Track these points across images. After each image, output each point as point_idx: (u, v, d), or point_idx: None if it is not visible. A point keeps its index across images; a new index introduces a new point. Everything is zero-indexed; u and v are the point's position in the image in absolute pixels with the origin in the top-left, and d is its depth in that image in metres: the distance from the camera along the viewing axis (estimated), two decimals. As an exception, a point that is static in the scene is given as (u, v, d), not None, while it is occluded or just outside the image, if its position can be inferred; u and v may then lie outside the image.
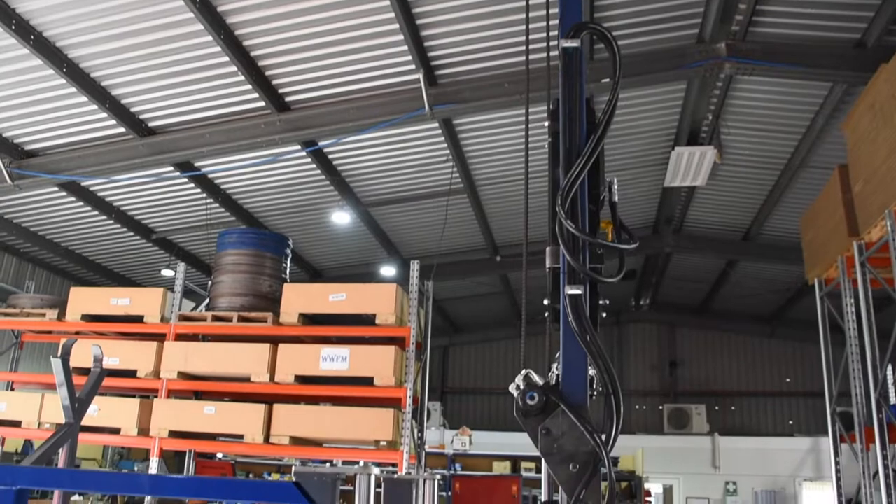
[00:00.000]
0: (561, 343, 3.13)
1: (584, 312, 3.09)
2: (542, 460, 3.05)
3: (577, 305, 3.09)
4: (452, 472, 14.34)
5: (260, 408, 7.39)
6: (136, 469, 14.77)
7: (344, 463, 8.46)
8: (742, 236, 13.73)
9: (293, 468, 1.92)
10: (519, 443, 15.59)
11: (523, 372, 3.08)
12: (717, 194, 12.23)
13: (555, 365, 3.22)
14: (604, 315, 3.29)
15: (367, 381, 7.19)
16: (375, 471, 1.70)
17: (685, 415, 17.89)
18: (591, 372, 3.17)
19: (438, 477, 3.06)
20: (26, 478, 2.03)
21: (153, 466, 7.95)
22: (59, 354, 4.16)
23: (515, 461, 15.09)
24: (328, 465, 2.18)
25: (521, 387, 3.05)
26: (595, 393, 3.19)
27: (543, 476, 3.14)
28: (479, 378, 20.28)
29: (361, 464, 1.86)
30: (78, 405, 4.18)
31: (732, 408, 18.95)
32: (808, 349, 17.48)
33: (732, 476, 16.78)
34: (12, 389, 9.44)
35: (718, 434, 17.30)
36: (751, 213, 12.76)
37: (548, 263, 3.31)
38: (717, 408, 18.69)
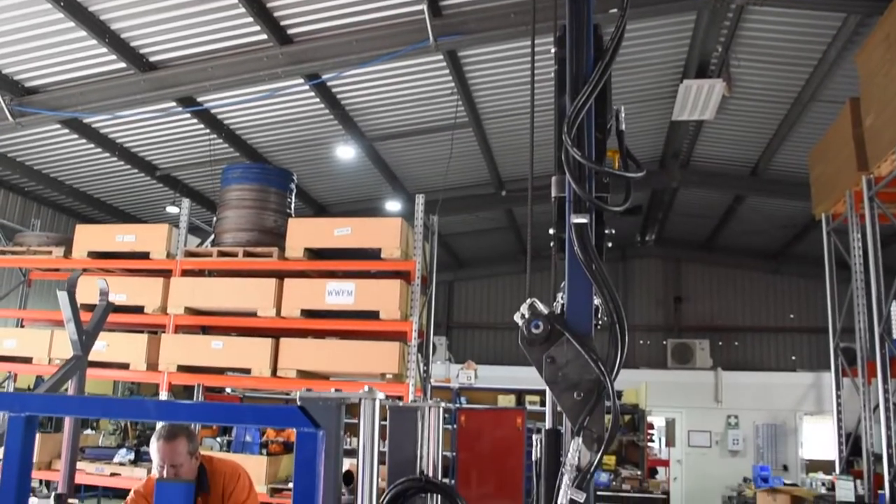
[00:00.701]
0: (566, 272, 3.11)
1: (590, 241, 3.06)
2: (547, 390, 3.06)
3: (583, 234, 3.06)
4: (458, 405, 14.55)
5: (267, 342, 7.46)
6: (146, 404, 15.01)
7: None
8: (750, 171, 13.62)
9: (298, 394, 1.94)
10: (524, 376, 15.77)
11: (528, 301, 3.07)
12: (726, 129, 12.09)
13: (560, 294, 3.21)
14: (609, 245, 3.26)
15: (373, 315, 7.25)
16: (380, 395, 1.72)
17: (689, 350, 18.03)
18: (596, 301, 3.16)
19: (444, 405, 3.08)
20: (35, 404, 2.04)
21: (163, 398, 8.07)
22: (64, 288, 4.18)
23: (520, 395, 15.29)
24: (333, 391, 2.21)
25: (526, 316, 3.04)
26: (600, 322, 3.19)
27: (548, 405, 3.14)
28: (484, 313, 20.40)
29: (366, 389, 1.87)
30: (85, 338, 4.21)
31: (736, 343, 19.09)
32: (812, 286, 17.51)
33: (734, 410, 17.02)
34: (22, 326, 9.54)
35: (721, 369, 17.49)
36: (759, 148, 12.63)
37: (553, 192, 3.27)
38: (720, 343, 18.83)
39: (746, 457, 16.56)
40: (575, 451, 2.84)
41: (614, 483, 12.70)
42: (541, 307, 3.07)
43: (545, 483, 3.01)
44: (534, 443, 3.21)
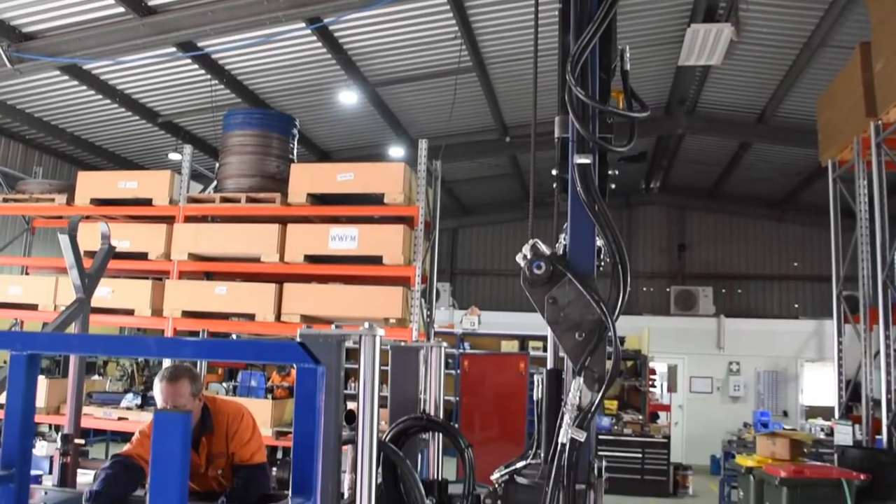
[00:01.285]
0: (568, 213, 3.10)
1: (593, 182, 3.05)
2: (548, 331, 3.07)
3: (586, 174, 3.04)
4: (461, 350, 14.66)
5: (270, 287, 7.48)
6: (153, 349, 15.16)
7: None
8: (757, 118, 13.47)
9: (298, 331, 1.95)
10: (527, 322, 15.87)
11: (531, 242, 3.06)
12: (733, 74, 11.92)
13: (562, 236, 3.21)
14: (612, 187, 3.24)
15: (377, 260, 7.24)
16: (380, 332, 1.71)
17: (692, 297, 18.08)
18: (598, 243, 3.15)
19: (445, 345, 3.10)
20: (37, 343, 2.05)
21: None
22: (66, 232, 4.17)
23: (523, 340, 15.41)
24: (333, 327, 2.21)
25: (528, 256, 3.04)
26: (602, 264, 3.18)
27: (549, 345, 3.15)
28: (488, 260, 20.42)
29: (366, 325, 1.86)
30: (88, 281, 4.22)
31: (739, 291, 19.13)
32: (816, 234, 17.48)
33: (736, 356, 17.14)
34: (27, 274, 9.57)
35: (724, 316, 17.55)
36: (766, 94, 12.46)
37: (556, 133, 3.24)
38: (723, 290, 18.86)
39: (747, 403, 16.72)
40: (576, 391, 2.86)
41: (616, 427, 12.85)
42: (543, 248, 3.07)
43: (546, 423, 3.04)
44: (535, 383, 3.23)
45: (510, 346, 15.45)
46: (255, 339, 1.90)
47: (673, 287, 18.68)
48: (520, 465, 3.08)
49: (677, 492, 12.87)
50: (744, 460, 8.02)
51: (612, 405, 13.54)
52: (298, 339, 1.84)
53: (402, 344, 2.97)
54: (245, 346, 1.72)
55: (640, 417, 13.33)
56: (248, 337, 12.53)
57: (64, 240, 4.09)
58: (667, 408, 14.81)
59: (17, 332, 1.94)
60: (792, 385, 16.97)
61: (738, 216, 19.20)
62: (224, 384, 9.94)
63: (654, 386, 14.68)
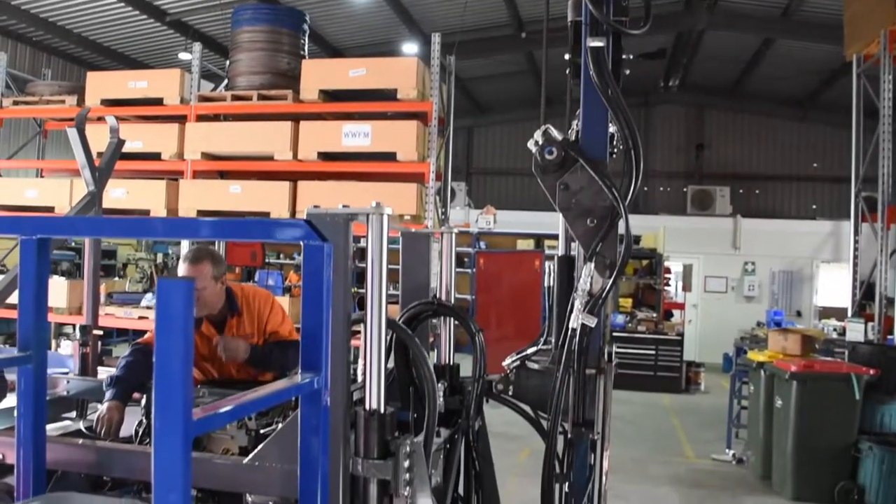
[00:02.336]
0: (581, 98, 3.03)
1: (606, 66, 2.96)
2: (560, 217, 3.04)
3: (600, 58, 2.95)
4: (477, 249, 14.70)
5: (284, 185, 7.47)
6: (170, 252, 15.31)
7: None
8: (781, 12, 13.03)
9: (306, 210, 1.94)
10: (543, 221, 15.82)
11: (542, 127, 3.01)
12: (757, -36, 11.49)
13: (575, 122, 3.14)
14: (626, 73, 3.15)
15: (390, 157, 7.20)
16: (388, 210, 1.70)
17: (709, 196, 17.94)
18: (611, 129, 3.09)
19: (457, 230, 3.09)
20: (46, 227, 2.05)
21: (184, 245, 8.21)
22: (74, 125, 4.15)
23: (539, 239, 15.42)
24: (341, 206, 2.18)
25: (540, 142, 2.99)
26: (615, 150, 3.13)
27: (560, 232, 3.14)
28: (503, 159, 20.23)
29: (374, 204, 1.84)
30: (98, 175, 4.21)
31: (757, 191, 18.95)
32: (837, 134, 17.14)
33: (752, 257, 17.11)
34: (41, 177, 9.60)
35: (741, 216, 17.43)
36: (792, -14, 12.03)
37: (570, 16, 3.13)
38: (740, 191, 18.69)
39: (762, 303, 16.80)
40: (587, 277, 2.86)
41: (630, 325, 12.98)
42: (555, 133, 3.02)
43: (557, 309, 3.05)
44: (547, 270, 3.23)
45: (526, 245, 15.46)
46: (263, 219, 1.90)
47: (690, 187, 18.53)
48: (530, 350, 3.11)
49: (689, 388, 13.11)
50: (755, 355, 8.10)
51: (626, 303, 13.65)
52: (305, 218, 1.83)
53: (413, 230, 2.96)
54: (252, 224, 1.71)
55: (655, 315, 13.43)
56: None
57: (72, 133, 4.07)
58: (681, 306, 14.90)
59: (26, 217, 1.94)
60: (806, 286, 17.00)
61: (758, 115, 18.83)
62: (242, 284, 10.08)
63: (668, 285, 14.73)
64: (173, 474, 1.17)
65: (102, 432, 3.01)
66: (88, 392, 3.35)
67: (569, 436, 2.88)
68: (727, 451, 8.41)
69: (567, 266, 3.07)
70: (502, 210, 15.87)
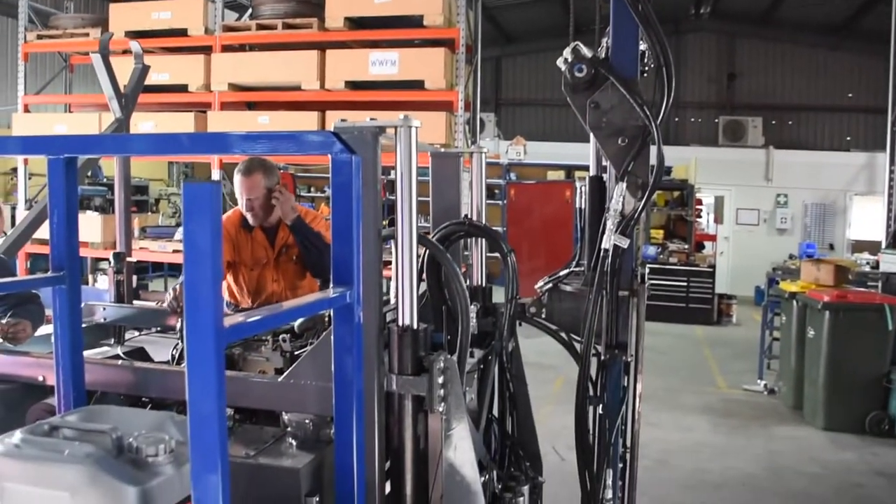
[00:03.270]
0: (611, 14, 2.93)
1: (639, -21, 2.85)
2: (590, 136, 2.98)
3: (633, -29, 2.84)
4: (507, 180, 14.58)
5: (312, 115, 7.42)
6: (201, 185, 15.37)
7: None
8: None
9: (332, 123, 1.91)
10: (573, 152, 15.64)
11: (572, 44, 2.91)
12: None
13: (604, 39, 3.05)
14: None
15: (418, 85, 7.13)
16: (416, 123, 1.66)
17: (741, 127, 17.56)
18: (642, 47, 3.00)
19: (487, 150, 3.03)
20: (73, 145, 2.04)
21: (215, 177, 8.23)
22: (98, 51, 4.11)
23: (569, 170, 15.26)
24: (368, 119, 2.16)
25: (569, 59, 2.90)
26: (646, 69, 3.04)
27: (591, 151, 3.08)
28: (532, 90, 19.86)
29: (402, 117, 1.80)
30: (124, 101, 4.20)
31: (790, 122, 18.50)
32: (873, 63, 16.54)
33: (784, 189, 16.81)
34: (70, 111, 9.62)
35: (773, 147, 17.06)
36: None
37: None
38: (773, 122, 18.25)
39: (794, 235, 16.58)
40: (619, 197, 2.80)
41: (662, 256, 12.90)
42: (584, 51, 2.92)
43: (589, 231, 3.01)
44: (577, 192, 3.18)
45: (556, 176, 15.31)
46: (291, 131, 1.89)
47: (721, 117, 18.14)
48: (563, 273, 3.08)
49: (721, 320, 13.06)
50: (788, 286, 8.02)
51: (658, 234, 13.54)
52: (332, 130, 1.80)
53: (442, 150, 2.92)
54: (281, 137, 1.68)
55: (686, 247, 13.32)
56: (295, 169, 12.62)
57: (96, 59, 4.04)
58: (713, 238, 14.76)
59: (53, 137, 1.93)
60: (840, 218, 16.72)
61: (792, 44, 18.24)
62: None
63: (700, 217, 14.57)
64: (206, 383, 1.17)
65: (174, 304, 3.38)
66: (124, 319, 3.39)
67: (602, 358, 2.87)
68: (758, 381, 8.41)
69: (598, 187, 3.02)
70: (532, 141, 15.68)
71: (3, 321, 2.86)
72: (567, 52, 2.89)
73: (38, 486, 1.27)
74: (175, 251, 8.61)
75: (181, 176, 15.98)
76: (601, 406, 2.88)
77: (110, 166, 13.79)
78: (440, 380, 1.91)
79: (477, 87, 8.02)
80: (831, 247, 16.33)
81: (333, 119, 6.66)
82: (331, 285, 1.77)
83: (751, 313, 13.55)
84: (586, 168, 3.29)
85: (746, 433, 6.92)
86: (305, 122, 7.44)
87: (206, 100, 7.99)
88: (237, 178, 3.80)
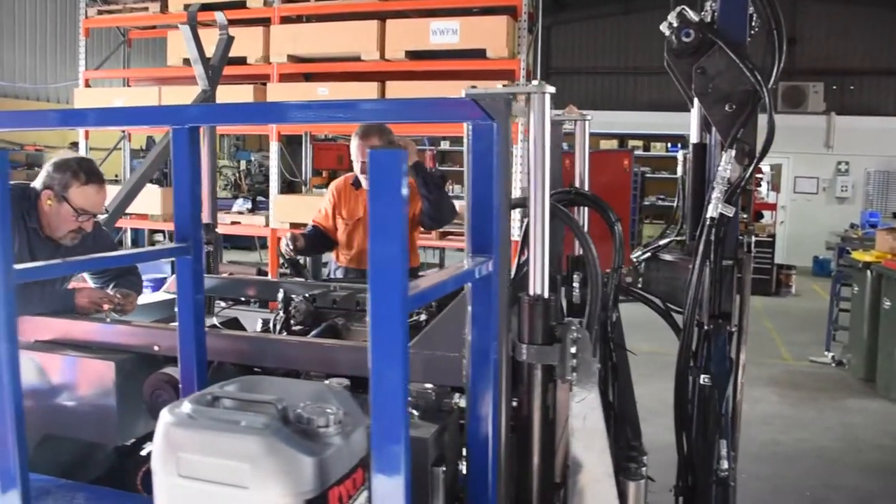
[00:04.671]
0: (720, -23, 2.83)
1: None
2: (694, 102, 2.89)
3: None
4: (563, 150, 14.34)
5: (372, 86, 7.37)
6: (251, 158, 15.48)
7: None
8: None
9: (463, 91, 1.87)
10: (626, 121, 15.43)
11: (677, 8, 2.83)
12: None
13: (708, 3, 2.95)
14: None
15: (479, 54, 7.05)
16: (551, 89, 1.62)
17: (801, 93, 17.08)
18: (749, 10, 2.90)
19: (590, 118, 2.99)
20: (196, 115, 2.03)
21: (273, 150, 8.26)
22: (185, 22, 4.11)
23: (622, 139, 15.02)
24: (500, 86, 2.12)
25: (675, 24, 2.81)
26: (754, 31, 2.94)
27: (693, 117, 3.00)
28: (584, 57, 19.52)
29: (536, 82, 1.77)
30: (212, 73, 4.20)
31: (851, 87, 17.92)
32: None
33: (845, 156, 16.35)
34: (128, 86, 9.70)
35: (835, 113, 16.57)
36: None
37: None
38: (834, 87, 17.71)
39: (854, 204, 16.15)
40: (727, 164, 2.73)
41: (719, 225, 12.65)
42: (691, 15, 2.83)
43: (692, 199, 2.94)
44: (679, 160, 3.12)
45: (609, 145, 15.11)
46: (430, 98, 1.84)
47: (780, 83, 17.66)
48: (662, 242, 3.03)
49: (780, 291, 12.83)
50: (861, 255, 7.82)
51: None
52: (465, 97, 1.75)
53: (555, 117, 2.86)
54: (409, 104, 1.64)
55: (745, 216, 13.00)
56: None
57: (185, 30, 4.04)
58: (772, 207, 14.46)
59: (177, 107, 1.93)
60: (904, 186, 16.24)
61: (854, 5, 17.62)
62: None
63: (759, 185, 14.27)
64: (392, 354, 1.15)
65: (288, 249, 3.70)
66: (214, 290, 3.41)
67: (704, 328, 2.82)
68: (825, 353, 8.25)
69: (701, 155, 2.95)
70: (583, 110, 15.38)
71: (112, 291, 2.89)
72: (672, 17, 2.81)
73: (216, 456, 1.26)
74: (234, 223, 8.68)
75: (231, 149, 16.08)
76: (703, 377, 2.83)
77: (166, 140, 13.97)
78: (573, 350, 1.88)
79: (537, 54, 7.90)
80: (894, 215, 15.90)
81: (393, 90, 6.69)
82: (468, 256, 1.73)
83: (809, 284, 13.32)
84: (639, 136, 3.22)
85: (816, 405, 6.81)
86: (365, 92, 7.40)
87: (265, 72, 8.00)
88: (354, 141, 3.95)
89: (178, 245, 2.01)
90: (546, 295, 1.90)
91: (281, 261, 8.95)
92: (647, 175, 15.33)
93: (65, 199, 2.93)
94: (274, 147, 8.23)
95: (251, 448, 1.24)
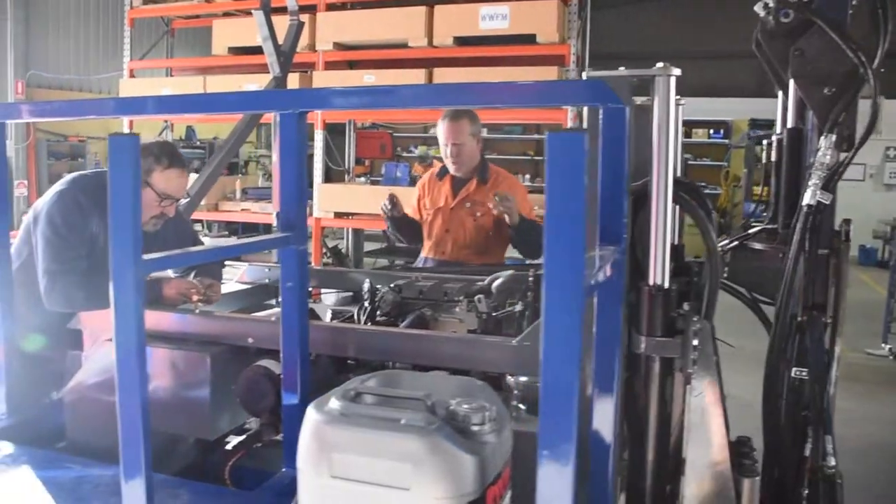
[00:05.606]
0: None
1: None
2: (790, 84, 2.80)
3: None
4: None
5: (420, 73, 7.30)
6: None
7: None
8: None
9: (584, 74, 1.82)
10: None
11: (773, -14, 2.72)
12: None
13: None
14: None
15: (529, 40, 6.98)
16: (676, 71, 1.56)
17: (846, 77, 16.68)
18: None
19: (684, 102, 2.90)
20: (305, 100, 2.01)
21: (318, 139, 8.22)
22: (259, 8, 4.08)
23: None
24: (620, 68, 2.06)
25: (771, 4, 2.71)
26: (851, 10, 2.83)
27: (790, 103, 2.90)
28: (623, 43, 19.17)
29: (661, 65, 1.69)
30: (283, 59, 4.17)
31: (900, 70, 17.45)
32: None
33: (895, 141, 15.94)
34: (171, 76, 9.72)
35: (884, 97, 16.10)
36: None
37: None
38: (882, 70, 17.20)
39: (904, 191, 15.76)
40: (826, 150, 2.63)
41: (764, 213, 12.43)
42: (789, -9, 2.73)
43: (785, 186, 2.85)
44: (771, 144, 3.03)
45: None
46: (554, 81, 1.74)
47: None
48: (752, 231, 2.94)
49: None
50: (917, 243, 7.66)
51: (759, 188, 13.07)
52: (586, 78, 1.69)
53: (639, 101, 2.77)
54: (541, 87, 1.55)
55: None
56: (392, 129, 12.48)
57: (259, 15, 4.02)
58: (816, 194, 14.12)
59: (284, 92, 1.87)
60: (960, 174, 15.78)
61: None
62: (360, 178, 10.07)
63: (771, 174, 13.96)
64: (569, 347, 1.09)
65: (387, 209, 3.80)
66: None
67: (799, 319, 2.73)
68: (882, 345, 8.06)
69: (796, 139, 2.85)
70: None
71: (196, 280, 2.84)
72: (768, -3, 2.71)
73: (375, 456, 1.20)
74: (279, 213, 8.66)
75: (269, 138, 16.07)
76: (795, 370, 2.75)
77: (204, 129, 14.01)
78: (695, 342, 1.81)
79: (587, 40, 7.78)
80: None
81: (441, 77, 6.62)
82: (597, 242, 1.66)
83: (856, 273, 13.05)
84: (693, 123, 3.12)
85: (877, 399, 6.66)
86: (412, 79, 7.32)
87: (310, 60, 7.96)
88: (442, 124, 3.89)
89: (283, 234, 1.97)
90: (666, 285, 1.83)
91: (324, 250, 8.96)
92: (690, 162, 15.10)
93: (147, 184, 2.89)
94: (319, 136, 8.20)
95: (414, 447, 1.18)
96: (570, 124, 7.27)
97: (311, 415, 1.28)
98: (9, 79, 11.39)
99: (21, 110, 2.76)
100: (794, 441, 2.68)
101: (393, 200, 3.86)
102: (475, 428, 1.24)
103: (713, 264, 2.03)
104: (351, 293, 3.27)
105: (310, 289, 3.44)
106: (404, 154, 15.65)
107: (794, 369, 2.75)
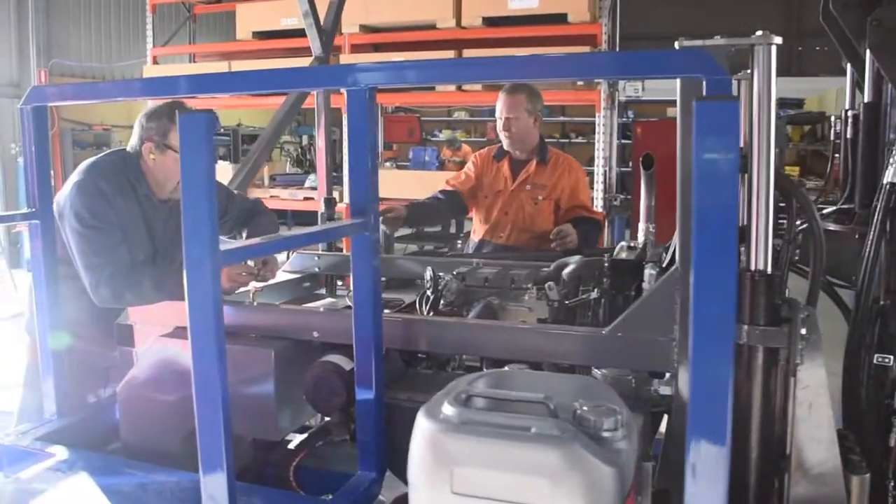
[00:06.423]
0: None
1: None
2: (867, 55, 2.66)
3: None
4: (625, 119, 14.02)
5: (448, 55, 7.19)
6: (314, 133, 15.33)
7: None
8: None
9: (676, 44, 1.71)
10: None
11: (851, -44, 2.59)
12: None
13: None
14: None
15: (559, 19, 6.88)
16: (777, 39, 1.45)
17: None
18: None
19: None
20: (374, 76, 1.89)
21: (345, 123, 8.10)
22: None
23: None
24: (717, 37, 1.95)
25: (848, -28, 2.58)
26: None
27: (867, 76, 2.76)
28: (653, 24, 18.87)
29: (760, 33, 1.59)
30: (325, 38, 4.07)
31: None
32: None
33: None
34: (194, 62, 9.63)
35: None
36: None
37: None
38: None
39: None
40: (910, 125, 2.50)
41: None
42: (865, -39, 2.59)
43: (862, 164, 2.72)
44: (842, 119, 2.89)
45: (674, 114, 14.63)
46: (649, 51, 1.66)
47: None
48: (825, 211, 2.81)
49: (859, 260, 12.37)
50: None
51: (793, 171, 12.87)
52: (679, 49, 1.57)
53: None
54: (626, 57, 1.44)
55: (825, 184, 12.58)
56: (421, 113, 12.34)
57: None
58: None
59: (351, 66, 1.77)
60: None
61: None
62: (387, 163, 9.95)
63: (838, 151, 13.73)
64: (722, 339, 0.97)
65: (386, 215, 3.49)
66: (335, 266, 3.26)
67: (881, 303, 2.60)
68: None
69: (873, 115, 2.71)
70: (649, 77, 14.96)
71: (251, 262, 2.69)
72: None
73: (505, 471, 1.08)
74: (306, 198, 8.57)
75: (293, 124, 15.96)
76: (877, 356, 2.62)
77: (227, 116, 13.92)
78: (803, 331, 1.69)
79: (617, 20, 7.62)
80: None
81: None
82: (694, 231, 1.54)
83: (888, 252, 12.80)
84: None
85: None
86: (441, 61, 7.22)
87: (336, 42, 7.83)
88: (501, 97, 3.74)
89: (354, 221, 1.86)
90: (770, 270, 1.71)
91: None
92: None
93: (167, 146, 2.78)
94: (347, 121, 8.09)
95: (551, 460, 1.06)
96: (602, 105, 7.17)
97: (424, 423, 1.16)
98: (32, 68, 11.34)
99: (58, 93, 2.64)
100: (877, 431, 2.56)
101: (393, 209, 3.64)
102: (606, 434, 1.13)
103: (817, 248, 1.90)
104: (298, 274, 3.18)
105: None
106: (430, 139, 15.51)
107: (875, 355, 2.64)
